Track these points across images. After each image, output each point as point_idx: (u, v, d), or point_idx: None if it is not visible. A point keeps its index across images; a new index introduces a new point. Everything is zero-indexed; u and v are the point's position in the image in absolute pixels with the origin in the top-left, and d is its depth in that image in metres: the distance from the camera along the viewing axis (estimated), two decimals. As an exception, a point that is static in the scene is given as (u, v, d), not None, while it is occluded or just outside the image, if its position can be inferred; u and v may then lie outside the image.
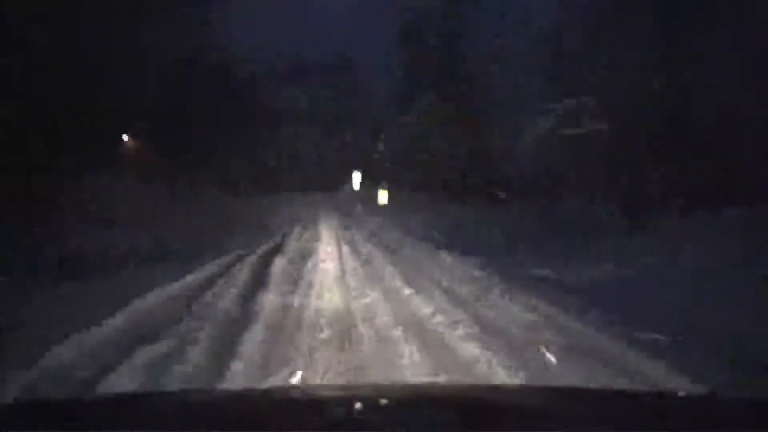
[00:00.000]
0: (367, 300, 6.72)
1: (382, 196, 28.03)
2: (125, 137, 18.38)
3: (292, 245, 13.12)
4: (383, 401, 1.62)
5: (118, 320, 5.51)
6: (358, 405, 1.53)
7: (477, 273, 8.69)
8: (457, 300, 6.78)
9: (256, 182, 30.97)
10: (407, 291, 7.21)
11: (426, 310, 6.10)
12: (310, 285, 7.80)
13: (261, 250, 11.91)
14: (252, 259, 10.51)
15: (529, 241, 12.24)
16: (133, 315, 5.81)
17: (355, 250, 12.07)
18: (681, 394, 2.57)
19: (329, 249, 12.22)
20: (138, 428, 1.28)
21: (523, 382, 3.81)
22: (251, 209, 21.63)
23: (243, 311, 6.09)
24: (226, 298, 6.79)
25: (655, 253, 9.17)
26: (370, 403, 1.56)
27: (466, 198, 22.24)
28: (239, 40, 25.29)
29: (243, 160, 28.75)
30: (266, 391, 2.56)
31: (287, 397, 1.82)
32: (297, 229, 17.33)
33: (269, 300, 6.63)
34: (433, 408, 1.54)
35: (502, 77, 21.51)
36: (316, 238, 14.70)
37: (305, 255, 11.05)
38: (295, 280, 8.22)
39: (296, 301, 6.63)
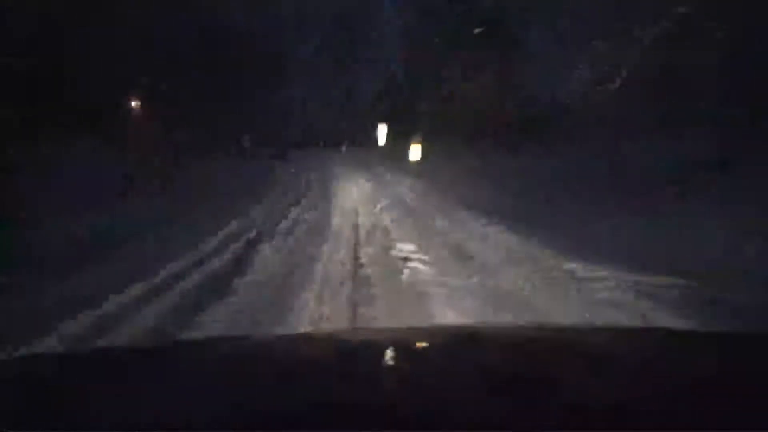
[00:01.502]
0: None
1: (414, 151, 22.84)
2: (133, 103, 15.95)
3: (265, 259, 6.56)
4: (421, 344, 1.39)
5: None
6: (392, 350, 1.29)
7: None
8: None
9: (262, 142, 27.76)
10: None
11: None
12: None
13: (188, 283, 5.52)
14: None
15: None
16: None
17: (390, 271, 5.84)
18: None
19: (338, 273, 5.78)
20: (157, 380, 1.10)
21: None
22: (239, 177, 17.38)
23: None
24: None
25: None
26: (407, 347, 1.34)
27: (510, 146, 18.47)
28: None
29: (246, 117, 25.70)
30: (285, 337, 2.13)
31: (310, 343, 1.51)
32: (293, 212, 10.96)
33: None
34: (478, 351, 1.28)
35: None
36: (319, 231, 8.48)
37: (284, 304, 4.73)
38: None
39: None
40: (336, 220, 9.64)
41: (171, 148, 16.05)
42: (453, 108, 21.49)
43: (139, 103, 16.07)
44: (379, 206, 11.31)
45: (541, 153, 16.19)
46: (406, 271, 5.82)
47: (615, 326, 3.10)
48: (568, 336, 1.54)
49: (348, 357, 1.27)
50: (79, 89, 11.84)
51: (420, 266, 6.03)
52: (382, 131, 29.10)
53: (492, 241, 7.44)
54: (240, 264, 6.32)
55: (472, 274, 5.63)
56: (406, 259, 6.36)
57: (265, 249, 7.17)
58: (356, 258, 6.52)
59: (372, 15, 35.64)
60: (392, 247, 7.08)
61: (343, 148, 32.21)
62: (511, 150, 17.94)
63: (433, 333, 1.69)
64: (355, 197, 13.29)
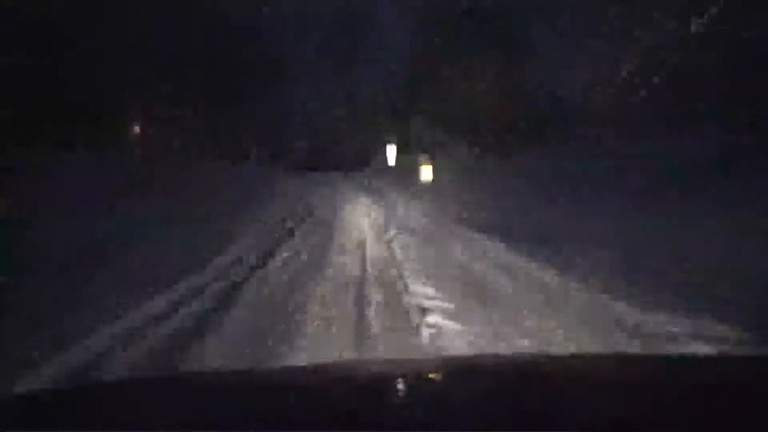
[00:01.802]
0: None
1: (426, 171, 21.58)
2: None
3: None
4: (432, 375, 1.40)
5: None
6: (402, 382, 1.31)
7: None
8: None
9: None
10: None
11: None
12: None
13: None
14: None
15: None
16: None
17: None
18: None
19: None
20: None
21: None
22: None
23: None
24: None
25: None
26: (418, 378, 1.34)
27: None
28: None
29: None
30: (290, 369, 2.19)
31: (315, 375, 1.50)
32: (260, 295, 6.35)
33: None
34: (490, 380, 1.30)
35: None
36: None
37: None
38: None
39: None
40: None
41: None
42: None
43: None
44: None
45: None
46: None
47: (611, 353, 3.19)
48: (565, 364, 1.56)
49: (354, 389, 1.27)
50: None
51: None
52: (391, 151, 28.22)
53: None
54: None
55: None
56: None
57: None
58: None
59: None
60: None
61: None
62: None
63: (435, 364, 1.71)
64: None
